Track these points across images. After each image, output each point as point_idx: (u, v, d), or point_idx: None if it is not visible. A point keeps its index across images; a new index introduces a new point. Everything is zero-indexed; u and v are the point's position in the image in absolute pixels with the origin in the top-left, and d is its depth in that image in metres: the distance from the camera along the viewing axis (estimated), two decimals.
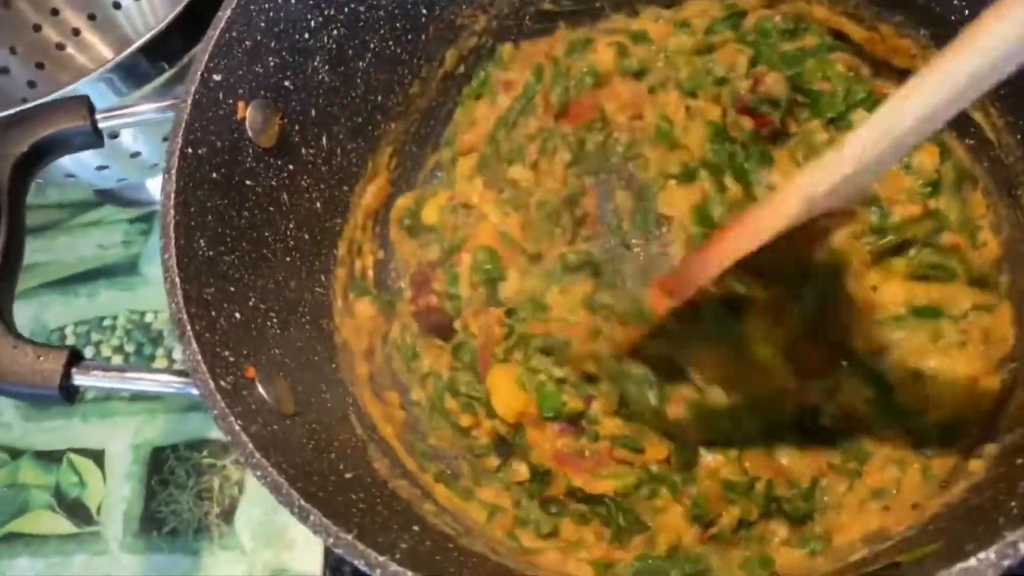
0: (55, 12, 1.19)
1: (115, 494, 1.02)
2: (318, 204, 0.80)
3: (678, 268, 0.73)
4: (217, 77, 0.69)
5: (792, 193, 0.55)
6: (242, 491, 0.98)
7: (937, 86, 0.47)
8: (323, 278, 0.79)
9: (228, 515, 0.98)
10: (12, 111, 0.68)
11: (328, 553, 0.93)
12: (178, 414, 1.04)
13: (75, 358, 0.60)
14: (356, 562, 0.50)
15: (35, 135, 0.66)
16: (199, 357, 0.58)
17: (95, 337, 1.11)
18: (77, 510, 1.02)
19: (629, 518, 0.71)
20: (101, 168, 0.99)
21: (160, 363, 1.08)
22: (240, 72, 0.71)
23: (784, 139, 0.79)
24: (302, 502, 0.52)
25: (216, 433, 1.02)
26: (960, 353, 0.69)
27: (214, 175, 0.68)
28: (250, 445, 0.54)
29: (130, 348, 1.09)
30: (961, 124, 0.74)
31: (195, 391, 0.58)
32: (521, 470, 0.76)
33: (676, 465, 0.72)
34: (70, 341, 1.12)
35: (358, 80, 0.82)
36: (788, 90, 0.77)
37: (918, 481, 0.65)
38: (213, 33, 0.69)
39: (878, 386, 0.69)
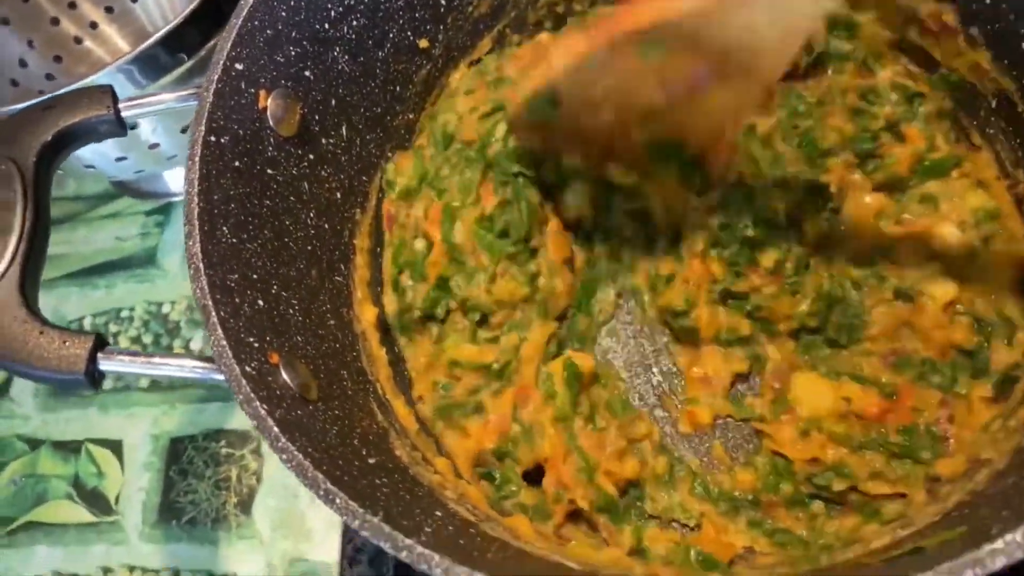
0: (72, 5, 1.20)
1: (133, 484, 1.02)
2: (338, 194, 0.80)
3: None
4: (239, 66, 0.69)
5: None
6: (260, 481, 0.99)
7: None
8: (343, 267, 0.79)
9: (246, 505, 0.98)
10: (36, 100, 0.69)
11: (345, 543, 0.94)
12: (196, 404, 1.04)
13: (100, 344, 0.61)
14: (382, 544, 0.50)
15: (59, 123, 0.67)
16: (224, 343, 0.58)
17: (113, 328, 1.12)
18: (96, 500, 1.03)
19: None
20: (120, 159, 1.00)
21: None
22: (262, 61, 0.71)
23: None
24: (328, 484, 0.52)
25: (234, 423, 1.03)
26: None
27: (236, 163, 0.68)
28: (276, 429, 0.55)
29: (147, 339, 1.10)
30: None
31: (220, 376, 0.59)
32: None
33: None
34: None
35: (377, 70, 0.82)
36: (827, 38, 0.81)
37: None
38: (236, 22, 0.69)
39: None
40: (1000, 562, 0.44)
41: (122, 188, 1.20)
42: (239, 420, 1.03)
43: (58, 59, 1.19)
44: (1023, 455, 0.59)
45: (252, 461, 1.00)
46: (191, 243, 0.62)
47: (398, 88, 0.85)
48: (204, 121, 0.66)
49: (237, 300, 0.63)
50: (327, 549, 0.94)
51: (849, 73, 0.82)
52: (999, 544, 0.44)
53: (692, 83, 0.68)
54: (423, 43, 0.85)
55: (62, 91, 0.73)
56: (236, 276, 0.64)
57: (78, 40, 1.21)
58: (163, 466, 1.02)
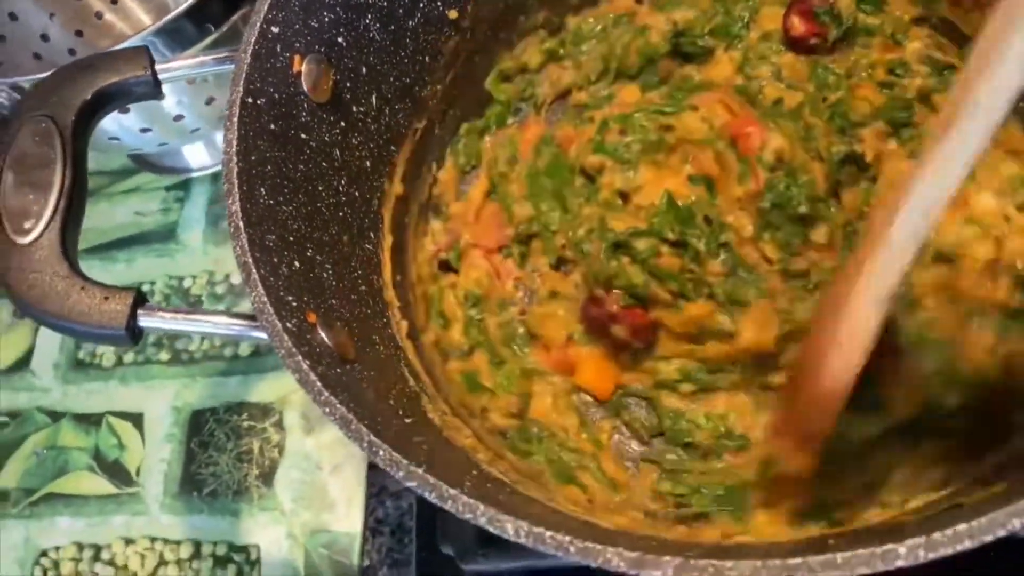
0: None
1: (154, 456, 1.03)
2: (367, 163, 0.80)
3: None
4: (275, 29, 0.70)
5: (862, 301, 0.54)
6: (282, 454, 0.99)
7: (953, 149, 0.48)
8: (372, 235, 0.80)
9: (268, 477, 0.98)
10: (74, 61, 0.69)
11: (367, 514, 0.94)
12: (217, 378, 1.05)
13: (140, 300, 0.61)
14: (427, 495, 0.51)
15: (97, 83, 0.67)
16: (265, 299, 0.58)
17: None
18: (117, 472, 1.03)
19: None
20: (144, 131, 1.00)
21: None
22: (297, 26, 0.71)
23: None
24: (372, 437, 0.53)
25: (255, 397, 1.03)
26: None
27: (272, 127, 0.69)
28: (319, 383, 0.55)
29: None
30: None
31: (258, 334, 0.59)
32: None
33: None
34: None
35: (407, 39, 0.82)
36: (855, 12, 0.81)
37: None
38: None
39: None
40: None
41: (141, 163, 1.20)
42: (260, 393, 1.03)
43: (79, 33, 1.19)
44: None
45: (274, 434, 1.00)
46: (231, 202, 0.62)
47: (427, 59, 0.85)
48: (242, 82, 0.66)
49: (275, 260, 0.63)
50: (349, 520, 0.94)
51: (877, 47, 0.82)
52: None
53: None
54: (452, 14, 0.85)
55: (97, 54, 0.73)
56: (273, 236, 0.64)
57: (99, 15, 1.21)
58: (184, 438, 1.03)
